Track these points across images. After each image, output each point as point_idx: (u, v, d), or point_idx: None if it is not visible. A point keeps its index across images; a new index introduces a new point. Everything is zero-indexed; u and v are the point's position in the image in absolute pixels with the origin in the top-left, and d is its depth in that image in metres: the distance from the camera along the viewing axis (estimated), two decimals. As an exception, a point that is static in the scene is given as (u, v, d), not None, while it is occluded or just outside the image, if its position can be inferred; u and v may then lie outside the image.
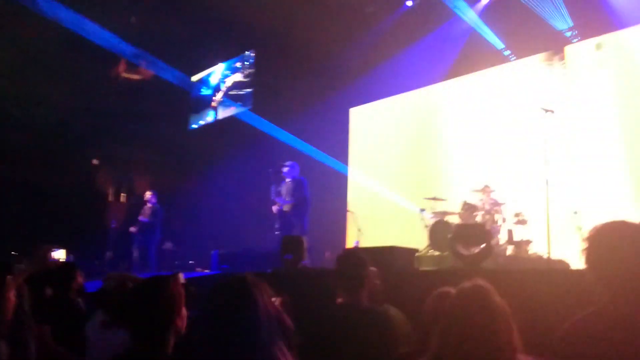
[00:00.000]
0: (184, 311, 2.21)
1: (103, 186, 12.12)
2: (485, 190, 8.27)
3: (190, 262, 10.37)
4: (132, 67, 11.85)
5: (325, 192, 11.07)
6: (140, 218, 9.96)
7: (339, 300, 2.83)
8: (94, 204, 11.61)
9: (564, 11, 8.93)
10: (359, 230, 9.44)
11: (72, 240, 10.15)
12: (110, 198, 12.20)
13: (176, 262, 10.56)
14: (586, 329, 1.79)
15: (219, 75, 12.86)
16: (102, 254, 10.62)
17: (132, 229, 9.97)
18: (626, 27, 8.36)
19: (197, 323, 1.97)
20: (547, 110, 6.53)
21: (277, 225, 8.41)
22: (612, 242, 1.86)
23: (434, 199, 8.87)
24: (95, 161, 12.15)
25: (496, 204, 8.17)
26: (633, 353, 1.68)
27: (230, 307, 1.89)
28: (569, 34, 9.09)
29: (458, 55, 10.22)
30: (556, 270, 5.65)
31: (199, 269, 9.08)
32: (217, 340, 1.84)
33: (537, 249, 7.64)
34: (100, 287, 3.46)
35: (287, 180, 8.43)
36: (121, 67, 11.77)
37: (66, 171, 11.32)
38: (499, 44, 9.81)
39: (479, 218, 8.07)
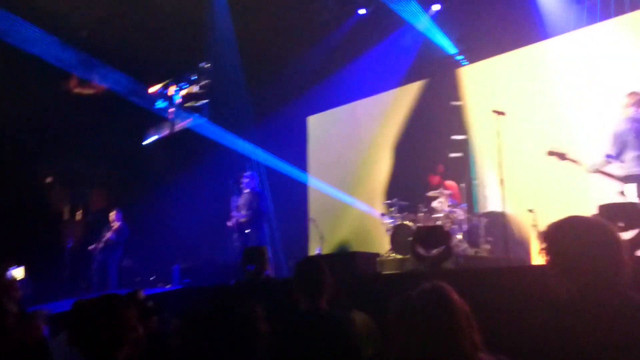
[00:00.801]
0: (140, 329, 2.20)
1: (58, 204, 11.79)
2: (443, 192, 8.39)
3: (151, 278, 10.18)
4: (85, 81, 11.59)
5: (286, 201, 11.06)
6: (111, 235, 9.73)
7: (301, 307, 2.83)
8: (49, 222, 11.28)
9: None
10: (322, 237, 9.45)
11: (28, 260, 9.85)
12: (66, 216, 11.87)
13: (137, 279, 10.36)
14: (559, 323, 1.83)
15: (175, 87, 12.71)
16: (60, 273, 10.33)
17: (92, 247, 9.73)
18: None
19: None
20: (498, 113, 6.68)
21: (235, 237, 8.41)
22: (573, 236, 1.92)
23: (394, 203, 8.96)
24: (49, 179, 11.82)
25: (454, 205, 8.31)
26: (606, 341, 1.72)
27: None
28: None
29: (412, 61, 10.40)
30: (515, 267, 5.77)
31: (161, 285, 8.93)
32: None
33: (496, 247, 7.80)
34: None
35: (246, 191, 8.43)
36: (73, 81, 11.51)
37: (19, 189, 10.98)
38: (451, 49, 10.02)
39: (438, 220, 8.19)
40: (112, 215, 9.95)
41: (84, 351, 2.13)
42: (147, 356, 2.99)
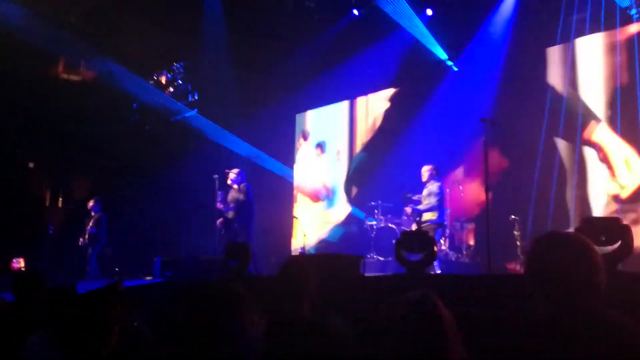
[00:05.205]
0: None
1: (39, 190, 11.64)
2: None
3: (115, 269, 9.90)
4: (72, 67, 11.44)
5: (271, 197, 11.02)
6: (89, 229, 9.45)
7: (281, 310, 2.81)
8: (30, 208, 11.13)
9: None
10: (304, 235, 9.45)
11: (6, 246, 9.71)
12: (47, 202, 11.72)
13: (116, 269, 10.23)
14: (534, 338, 1.84)
15: (165, 77, 12.59)
16: (38, 260, 10.18)
17: (81, 242, 9.46)
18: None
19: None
20: (486, 121, 6.68)
21: (221, 232, 8.34)
22: (550, 251, 1.93)
23: (379, 205, 8.98)
24: (31, 164, 11.67)
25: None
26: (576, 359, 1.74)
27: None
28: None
29: (402, 63, 10.42)
30: (496, 275, 5.81)
31: (147, 277, 8.82)
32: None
33: (478, 253, 7.87)
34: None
35: (234, 187, 8.37)
36: (60, 66, 11.36)
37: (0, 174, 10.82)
38: (442, 54, 10.05)
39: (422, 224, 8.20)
40: (90, 204, 9.63)
41: (66, 350, 2.04)
42: (128, 350, 2.95)
